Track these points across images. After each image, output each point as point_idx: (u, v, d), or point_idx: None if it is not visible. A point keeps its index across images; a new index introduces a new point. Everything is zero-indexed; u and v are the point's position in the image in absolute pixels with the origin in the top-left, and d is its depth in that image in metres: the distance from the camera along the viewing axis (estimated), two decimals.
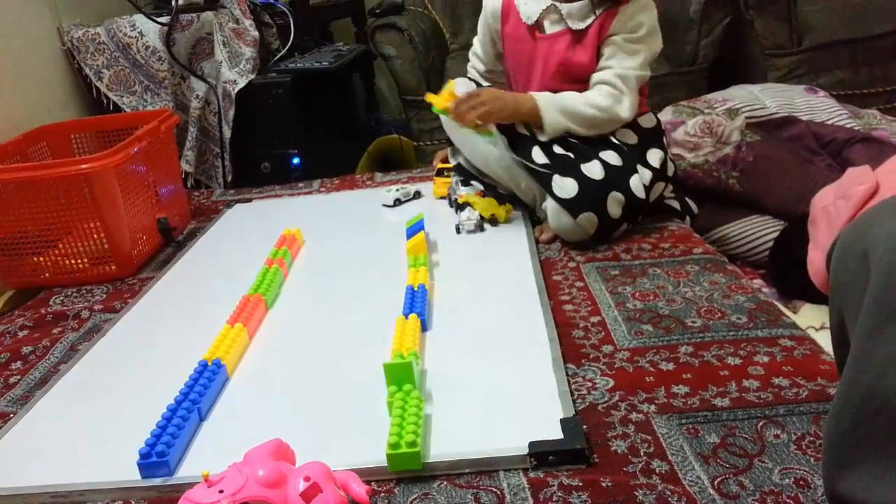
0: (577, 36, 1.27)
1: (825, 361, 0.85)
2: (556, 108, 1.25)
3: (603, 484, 0.69)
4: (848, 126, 1.66)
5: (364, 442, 0.78)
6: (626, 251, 1.21)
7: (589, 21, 1.25)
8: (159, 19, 1.79)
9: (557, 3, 1.27)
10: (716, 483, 0.68)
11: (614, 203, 1.21)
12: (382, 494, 0.72)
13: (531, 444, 0.74)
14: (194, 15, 1.80)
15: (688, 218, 1.35)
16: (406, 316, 0.99)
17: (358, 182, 1.75)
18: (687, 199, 1.38)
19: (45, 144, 1.58)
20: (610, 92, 1.25)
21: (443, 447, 0.76)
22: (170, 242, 1.48)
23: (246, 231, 1.54)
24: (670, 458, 0.72)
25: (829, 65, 2.03)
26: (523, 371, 0.89)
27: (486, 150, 1.34)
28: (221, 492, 0.62)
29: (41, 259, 1.36)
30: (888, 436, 0.46)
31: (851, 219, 0.98)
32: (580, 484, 0.70)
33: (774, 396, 0.80)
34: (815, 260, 1.09)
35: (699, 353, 0.90)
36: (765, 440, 0.73)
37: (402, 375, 0.84)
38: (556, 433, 0.75)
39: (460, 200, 1.38)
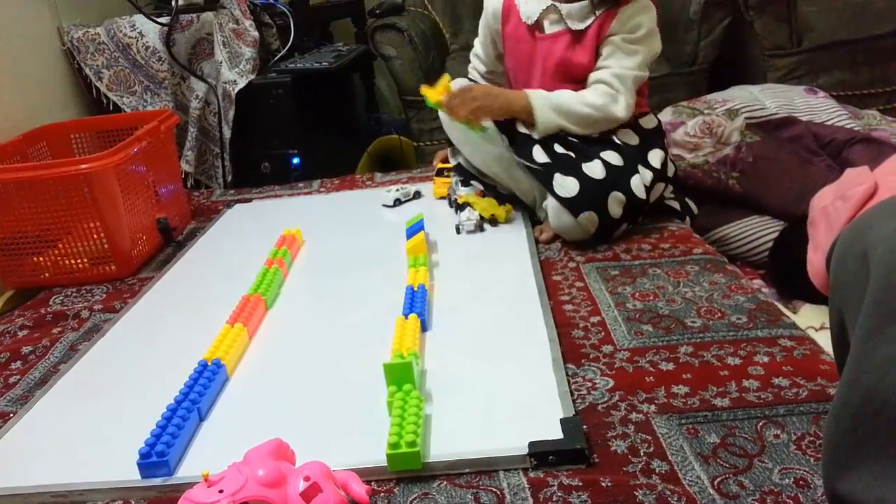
0: (577, 36, 1.27)
1: (825, 361, 0.85)
2: (549, 105, 1.25)
3: (603, 484, 0.69)
4: (848, 127, 1.66)
5: (364, 442, 0.78)
6: (626, 251, 1.21)
7: (588, 21, 1.25)
8: (159, 19, 1.79)
9: (557, 4, 1.27)
10: (716, 483, 0.68)
11: (615, 203, 1.21)
12: (382, 494, 0.72)
13: (531, 444, 0.74)
14: (194, 15, 1.80)
15: (688, 218, 1.36)
16: (406, 316, 0.99)
17: (358, 182, 1.75)
18: (687, 199, 1.38)
19: (45, 144, 1.58)
20: (606, 91, 1.25)
21: (442, 447, 0.76)
22: (170, 242, 1.48)
23: (246, 231, 1.54)
24: (670, 458, 0.72)
25: (828, 65, 2.03)
26: (523, 371, 0.89)
27: (486, 150, 1.34)
28: (221, 492, 0.62)
29: (41, 259, 1.36)
30: (888, 436, 0.46)
31: (851, 219, 0.98)
32: (580, 484, 0.70)
33: (774, 396, 0.80)
34: (815, 260, 1.09)
35: (699, 353, 0.90)
36: (765, 440, 0.73)
37: (401, 375, 0.84)
38: (556, 433, 0.75)
39: (460, 200, 1.38)
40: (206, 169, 1.94)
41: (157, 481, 0.77)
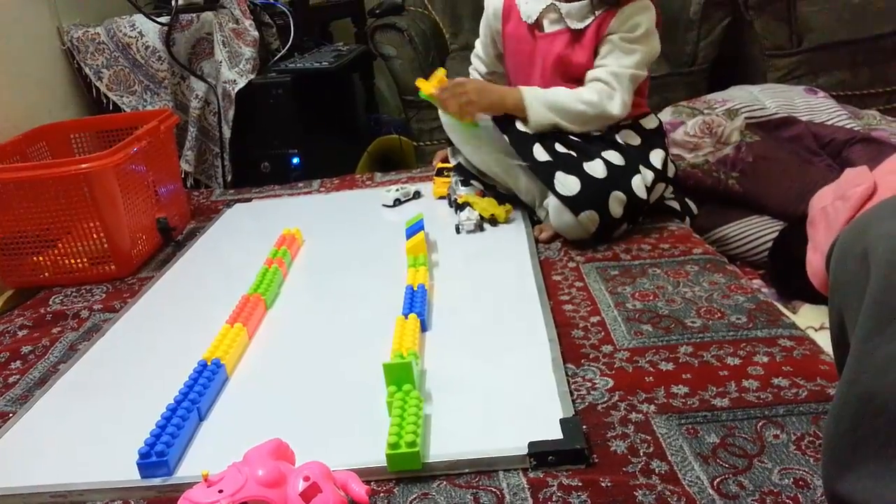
0: (576, 35, 1.27)
1: (825, 362, 0.85)
2: (543, 102, 1.25)
3: (602, 484, 0.69)
4: (847, 126, 1.66)
5: (364, 442, 0.78)
6: (626, 251, 1.21)
7: (588, 21, 1.25)
8: (159, 19, 1.79)
9: (557, 3, 1.27)
10: (715, 483, 0.68)
11: (616, 202, 1.21)
12: (382, 494, 0.72)
13: (531, 444, 0.74)
14: (194, 15, 1.80)
15: (687, 218, 1.36)
16: (406, 316, 0.99)
17: (358, 182, 1.75)
18: (687, 199, 1.38)
19: (45, 144, 1.58)
20: (602, 88, 1.24)
21: (442, 447, 0.76)
22: (169, 242, 1.48)
23: (245, 231, 1.54)
24: (670, 458, 0.72)
25: (828, 65, 2.03)
26: (523, 371, 0.89)
27: (486, 150, 1.34)
28: (221, 491, 0.62)
29: (41, 259, 1.36)
30: (888, 436, 0.46)
31: (850, 219, 0.98)
32: (580, 484, 0.70)
33: (774, 397, 0.80)
34: (814, 261, 1.09)
35: (699, 353, 0.90)
36: (764, 440, 0.73)
37: (401, 375, 0.84)
38: (556, 433, 0.75)
39: (460, 200, 1.38)
40: (205, 169, 1.94)
41: (156, 481, 0.77)
